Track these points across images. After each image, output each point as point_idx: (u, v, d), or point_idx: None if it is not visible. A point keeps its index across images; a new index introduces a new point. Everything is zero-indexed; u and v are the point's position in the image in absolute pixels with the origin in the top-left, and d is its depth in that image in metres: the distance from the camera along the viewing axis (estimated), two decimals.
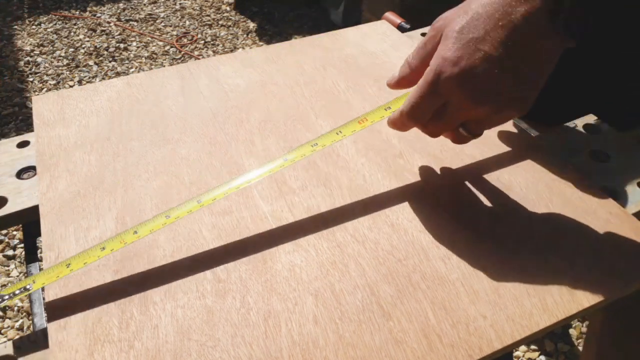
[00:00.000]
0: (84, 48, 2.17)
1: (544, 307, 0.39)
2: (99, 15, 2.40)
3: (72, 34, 2.27)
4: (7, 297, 0.39)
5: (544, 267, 0.42)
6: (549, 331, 0.38)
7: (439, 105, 0.42)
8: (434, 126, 0.43)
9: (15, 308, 1.23)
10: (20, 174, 0.54)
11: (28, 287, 0.39)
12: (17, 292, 0.39)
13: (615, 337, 0.72)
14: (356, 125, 0.47)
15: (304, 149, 0.46)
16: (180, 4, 2.52)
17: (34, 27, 2.31)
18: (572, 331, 1.15)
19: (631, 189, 0.50)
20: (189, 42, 2.23)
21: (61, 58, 2.11)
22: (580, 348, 1.11)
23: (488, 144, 0.54)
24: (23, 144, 0.58)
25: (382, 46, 0.71)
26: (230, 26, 2.34)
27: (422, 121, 0.44)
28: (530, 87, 0.40)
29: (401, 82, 0.46)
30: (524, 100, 0.41)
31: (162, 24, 2.36)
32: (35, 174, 0.53)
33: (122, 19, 2.38)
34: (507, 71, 0.39)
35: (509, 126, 0.56)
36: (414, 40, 0.74)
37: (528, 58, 0.39)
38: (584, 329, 1.15)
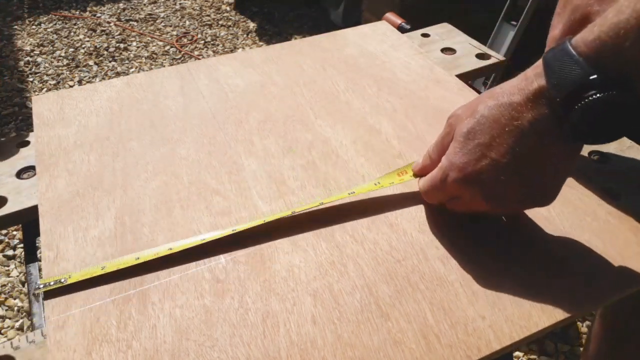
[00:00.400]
0: (84, 48, 2.17)
1: (543, 308, 0.39)
2: (99, 15, 2.40)
3: (72, 34, 2.27)
4: (42, 286, 0.40)
5: (543, 268, 0.42)
6: (548, 332, 0.38)
7: (452, 196, 0.43)
8: (452, 207, 0.44)
9: (15, 308, 1.23)
10: (20, 174, 0.54)
11: (62, 280, 0.41)
12: (52, 283, 0.41)
13: (615, 337, 0.72)
14: (395, 177, 0.48)
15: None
16: (180, 4, 2.52)
17: (34, 27, 2.31)
18: (572, 331, 1.15)
19: (631, 190, 0.50)
20: (189, 42, 2.23)
21: (61, 58, 2.11)
22: (581, 348, 1.11)
23: None
24: (23, 144, 0.58)
25: (382, 47, 0.71)
26: (230, 26, 2.34)
27: (438, 202, 0.46)
28: (539, 190, 0.40)
29: (423, 170, 0.47)
30: (539, 199, 0.40)
31: (162, 24, 2.36)
32: (35, 174, 0.53)
33: (122, 19, 2.38)
34: (514, 176, 0.38)
35: None
36: (414, 40, 0.74)
37: (535, 163, 0.38)
38: (584, 329, 1.15)
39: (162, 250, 0.43)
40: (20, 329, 1.19)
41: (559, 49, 0.34)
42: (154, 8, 2.48)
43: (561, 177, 0.40)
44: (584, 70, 0.33)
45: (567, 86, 0.34)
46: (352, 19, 2.11)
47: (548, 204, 0.41)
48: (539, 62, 0.36)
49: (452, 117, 0.43)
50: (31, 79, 1.99)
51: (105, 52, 2.15)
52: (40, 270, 0.48)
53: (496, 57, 0.71)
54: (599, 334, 0.74)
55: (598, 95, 0.33)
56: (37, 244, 0.53)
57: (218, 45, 2.21)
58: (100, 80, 1.97)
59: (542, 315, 0.38)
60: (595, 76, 0.32)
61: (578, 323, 1.16)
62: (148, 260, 0.42)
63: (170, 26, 2.34)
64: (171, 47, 2.19)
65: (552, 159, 0.38)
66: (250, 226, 0.44)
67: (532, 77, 0.36)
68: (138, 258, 0.42)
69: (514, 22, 1.50)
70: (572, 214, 0.46)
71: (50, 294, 0.40)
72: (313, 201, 0.48)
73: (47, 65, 2.07)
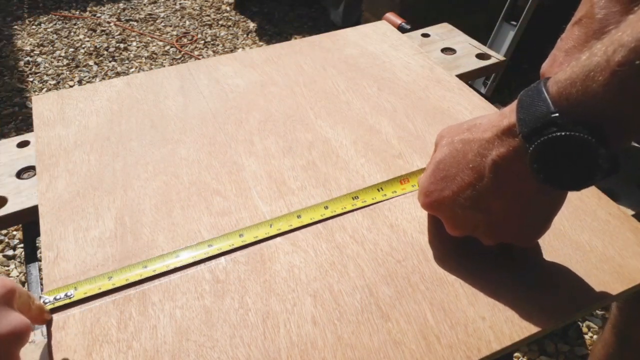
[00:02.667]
0: (84, 48, 2.17)
1: (543, 308, 0.39)
2: (99, 15, 2.40)
3: (72, 34, 2.27)
4: (48, 301, 0.39)
5: (543, 269, 0.42)
6: (548, 332, 0.38)
7: None
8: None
9: None
10: (20, 174, 0.54)
11: (69, 293, 0.40)
12: (59, 296, 0.40)
13: (624, 344, 0.72)
14: (398, 186, 0.49)
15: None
16: (180, 4, 2.51)
17: (34, 27, 2.31)
18: (572, 331, 1.15)
19: (631, 190, 0.50)
20: (189, 42, 2.23)
21: (61, 58, 2.11)
22: (580, 348, 1.11)
23: None
24: (23, 144, 0.58)
25: (382, 47, 0.71)
26: (230, 26, 2.34)
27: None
28: (508, 228, 0.39)
29: None
30: (510, 236, 0.40)
31: (162, 24, 2.36)
32: (35, 174, 0.53)
33: (122, 19, 2.38)
34: (474, 211, 0.39)
35: None
36: (414, 40, 0.74)
37: (501, 201, 0.37)
38: (584, 329, 1.15)
39: (172, 263, 0.42)
40: None
41: (533, 86, 0.34)
42: (154, 8, 2.48)
43: (535, 218, 0.38)
44: (547, 108, 0.32)
45: (531, 122, 0.33)
46: (352, 19, 2.11)
47: (524, 244, 0.41)
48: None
49: (438, 137, 0.44)
50: (31, 79, 1.99)
51: (105, 52, 2.15)
52: (40, 270, 0.48)
53: (496, 57, 0.71)
54: (608, 340, 0.74)
55: (557, 133, 0.32)
56: (37, 244, 0.53)
57: (218, 45, 2.21)
58: (100, 80, 1.97)
59: (542, 316, 0.38)
60: (557, 114, 0.32)
61: (578, 323, 1.16)
62: (158, 273, 0.42)
63: (170, 26, 2.34)
64: (171, 47, 2.19)
65: (520, 199, 0.37)
66: (259, 237, 0.44)
67: (507, 114, 0.36)
68: (146, 267, 0.42)
69: (514, 22, 1.50)
70: (572, 214, 0.46)
71: (51, 293, 0.40)
72: (315, 203, 0.48)
73: (47, 65, 2.07)
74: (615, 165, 0.32)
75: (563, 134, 0.32)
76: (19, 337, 0.31)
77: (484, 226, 0.39)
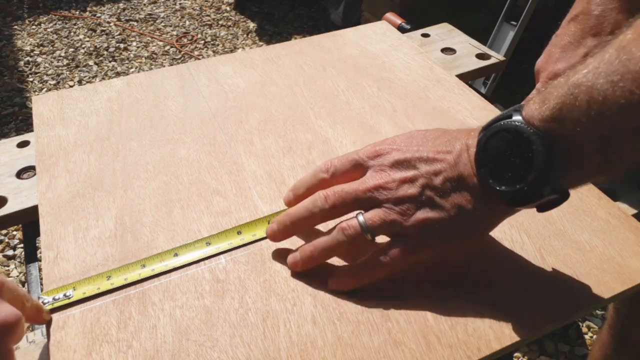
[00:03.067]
0: (84, 48, 2.17)
1: (543, 308, 0.39)
2: (99, 15, 2.40)
3: (72, 34, 2.27)
4: (47, 301, 0.39)
5: (543, 268, 0.42)
6: (548, 332, 0.38)
7: None
8: None
9: None
10: (20, 174, 0.54)
11: (68, 294, 0.40)
12: (58, 297, 0.40)
13: (621, 345, 0.72)
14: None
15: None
16: (180, 4, 2.52)
17: (34, 27, 2.31)
18: (572, 331, 1.15)
19: (631, 190, 0.50)
20: (189, 42, 2.23)
21: (61, 58, 2.11)
22: (580, 348, 1.11)
23: None
24: (23, 144, 0.58)
25: (382, 47, 0.71)
26: (230, 26, 2.34)
27: None
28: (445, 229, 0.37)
29: None
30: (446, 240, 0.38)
31: (162, 24, 2.36)
32: (35, 174, 0.53)
33: (122, 19, 2.38)
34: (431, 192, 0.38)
35: None
36: (414, 40, 0.74)
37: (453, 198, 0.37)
38: (584, 329, 1.15)
39: (171, 263, 0.42)
40: None
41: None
42: (154, 8, 2.48)
43: (466, 226, 0.37)
44: (510, 111, 0.34)
45: (491, 122, 0.35)
46: (352, 19, 2.11)
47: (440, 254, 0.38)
48: None
49: (383, 148, 0.43)
50: (31, 79, 1.99)
51: (105, 52, 2.15)
52: (40, 270, 0.48)
53: (496, 57, 0.71)
54: (605, 341, 0.74)
55: (502, 122, 0.34)
56: (37, 244, 0.53)
57: (218, 45, 2.21)
58: (100, 80, 1.97)
59: (542, 316, 0.38)
60: (519, 117, 0.33)
61: (578, 323, 1.16)
62: (157, 272, 0.42)
63: (170, 26, 2.34)
64: (171, 47, 2.19)
65: (463, 200, 0.36)
66: (258, 237, 0.44)
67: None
68: (144, 266, 0.42)
69: (514, 22, 1.50)
70: (572, 214, 0.46)
71: (50, 293, 0.40)
72: None
73: (47, 65, 2.07)
74: (549, 171, 0.32)
75: (508, 122, 0.33)
76: (9, 327, 0.30)
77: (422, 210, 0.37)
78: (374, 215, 0.38)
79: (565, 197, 0.34)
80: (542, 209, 0.35)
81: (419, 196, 0.37)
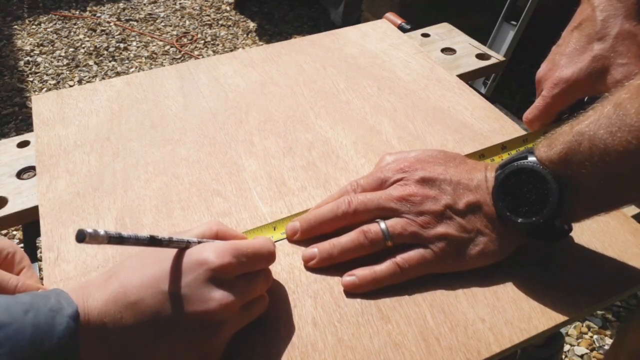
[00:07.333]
0: (84, 48, 2.17)
1: (543, 311, 0.39)
2: (99, 15, 2.40)
3: (72, 33, 2.27)
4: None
5: (542, 270, 0.42)
6: (547, 334, 0.38)
7: None
8: None
9: None
10: (20, 174, 0.53)
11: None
12: None
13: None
14: None
15: None
16: (180, 3, 2.51)
17: (34, 27, 2.31)
18: (572, 331, 1.15)
19: None
20: (189, 42, 2.23)
21: (61, 58, 2.11)
22: (580, 348, 1.11)
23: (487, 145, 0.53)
24: (23, 144, 0.57)
25: (382, 45, 0.71)
26: (230, 26, 2.34)
27: None
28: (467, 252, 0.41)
29: None
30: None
31: (162, 23, 2.36)
32: (35, 174, 0.53)
33: (122, 19, 2.38)
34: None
35: (508, 125, 0.56)
36: (414, 40, 0.74)
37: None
38: (584, 329, 1.15)
39: None
40: None
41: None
42: (154, 8, 2.47)
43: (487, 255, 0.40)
44: (524, 153, 0.39)
45: (506, 161, 0.39)
46: (352, 19, 2.11)
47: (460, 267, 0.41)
48: None
49: (399, 168, 0.46)
50: (31, 79, 1.99)
51: (105, 52, 2.15)
52: (40, 270, 0.48)
53: (496, 57, 0.71)
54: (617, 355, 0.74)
55: (519, 162, 0.38)
56: (37, 245, 0.53)
57: (218, 45, 2.21)
58: (100, 80, 1.96)
59: (542, 318, 0.38)
60: (534, 158, 0.37)
61: (578, 324, 1.17)
62: None
63: (170, 26, 2.34)
64: (171, 47, 2.19)
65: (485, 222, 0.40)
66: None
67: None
68: None
69: (514, 22, 1.50)
70: None
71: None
72: (316, 204, 0.47)
73: (47, 65, 2.07)
74: (561, 203, 0.36)
75: (523, 162, 0.38)
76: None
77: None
78: (396, 223, 0.40)
79: (570, 229, 0.39)
80: (550, 240, 0.39)
81: (441, 214, 0.40)
